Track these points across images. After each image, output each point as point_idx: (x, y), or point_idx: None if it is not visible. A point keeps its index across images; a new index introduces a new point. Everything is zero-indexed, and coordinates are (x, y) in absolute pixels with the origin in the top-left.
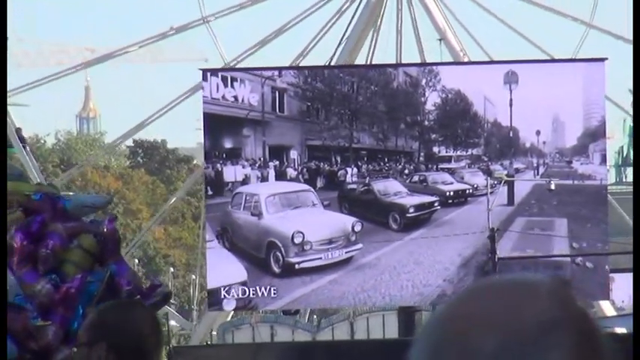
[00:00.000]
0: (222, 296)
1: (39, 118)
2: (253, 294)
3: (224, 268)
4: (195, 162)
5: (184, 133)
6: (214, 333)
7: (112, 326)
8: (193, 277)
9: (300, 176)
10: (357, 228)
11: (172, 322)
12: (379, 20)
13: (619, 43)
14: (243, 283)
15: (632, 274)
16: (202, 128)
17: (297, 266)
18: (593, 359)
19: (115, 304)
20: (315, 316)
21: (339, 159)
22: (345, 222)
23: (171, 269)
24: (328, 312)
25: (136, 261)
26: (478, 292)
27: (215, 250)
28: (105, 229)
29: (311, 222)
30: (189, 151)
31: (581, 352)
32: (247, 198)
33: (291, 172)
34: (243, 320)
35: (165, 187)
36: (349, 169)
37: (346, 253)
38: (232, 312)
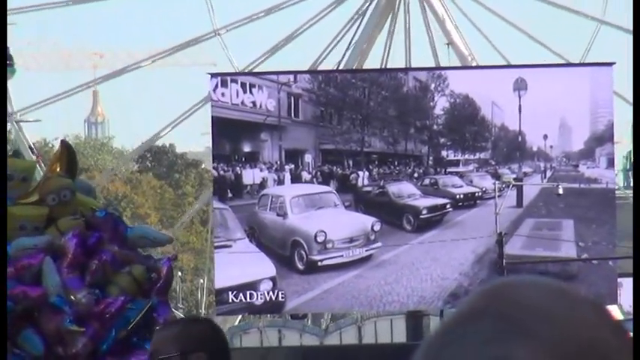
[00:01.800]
0: (249, 295)
1: (47, 122)
2: (262, 297)
3: (240, 268)
4: (203, 166)
5: (193, 137)
6: None
7: (205, 337)
8: (201, 281)
9: (315, 179)
10: (377, 227)
11: None
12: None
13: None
14: (272, 279)
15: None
16: (210, 132)
17: (319, 263)
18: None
19: (191, 317)
20: (322, 320)
21: (351, 162)
22: (365, 222)
23: (179, 273)
24: (336, 316)
25: None
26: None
27: (223, 254)
28: (162, 268)
29: (333, 222)
30: (197, 155)
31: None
32: (273, 199)
33: (305, 176)
34: (251, 324)
35: (173, 192)
36: (361, 173)
37: (366, 251)
38: (240, 316)
